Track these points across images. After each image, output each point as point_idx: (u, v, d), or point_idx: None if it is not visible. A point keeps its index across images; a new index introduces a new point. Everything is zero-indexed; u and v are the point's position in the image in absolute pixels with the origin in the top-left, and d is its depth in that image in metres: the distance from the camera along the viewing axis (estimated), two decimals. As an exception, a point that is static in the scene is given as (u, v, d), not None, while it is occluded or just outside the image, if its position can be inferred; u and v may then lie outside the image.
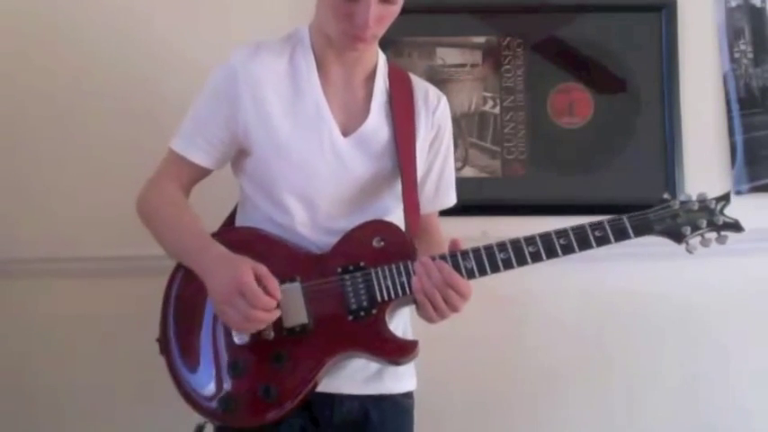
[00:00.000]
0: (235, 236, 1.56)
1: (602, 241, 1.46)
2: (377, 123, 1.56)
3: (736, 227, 1.48)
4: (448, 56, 2.18)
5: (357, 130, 1.54)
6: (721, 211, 1.48)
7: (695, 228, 1.46)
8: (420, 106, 1.61)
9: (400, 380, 1.58)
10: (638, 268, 2.13)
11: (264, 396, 1.43)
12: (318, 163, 1.51)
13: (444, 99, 1.66)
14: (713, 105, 2.20)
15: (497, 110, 2.18)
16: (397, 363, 1.48)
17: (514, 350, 2.14)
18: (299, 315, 1.45)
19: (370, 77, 1.59)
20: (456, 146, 2.15)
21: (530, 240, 1.45)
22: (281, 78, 1.52)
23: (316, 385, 1.46)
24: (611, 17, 2.19)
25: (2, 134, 2.10)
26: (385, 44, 2.13)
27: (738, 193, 2.17)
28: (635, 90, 2.18)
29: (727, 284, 2.15)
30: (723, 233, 1.47)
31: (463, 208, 2.12)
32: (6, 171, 2.10)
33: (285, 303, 1.44)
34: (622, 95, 2.19)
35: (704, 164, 2.18)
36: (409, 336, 1.60)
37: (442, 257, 1.45)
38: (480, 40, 2.19)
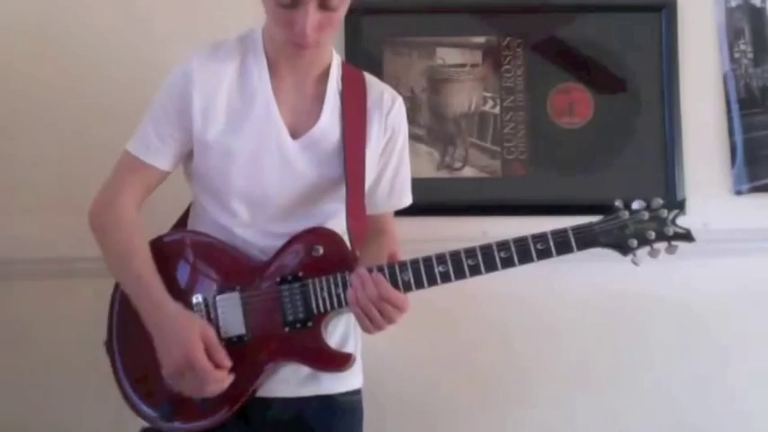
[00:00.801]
0: (178, 241, 1.57)
1: (544, 254, 1.41)
2: (327, 126, 1.54)
3: (687, 237, 1.42)
4: (448, 56, 2.18)
5: (306, 132, 1.53)
6: (673, 221, 1.42)
7: (643, 240, 1.41)
8: (373, 109, 1.59)
9: (340, 379, 1.55)
10: (636, 268, 2.12)
11: (201, 404, 1.44)
12: (265, 166, 1.51)
13: (399, 101, 1.64)
14: (713, 105, 2.20)
15: (497, 110, 2.18)
16: (332, 372, 1.50)
17: (512, 351, 2.14)
18: (236, 326, 1.47)
19: (323, 79, 1.57)
20: (456, 146, 2.17)
21: (470, 253, 1.43)
22: (232, 81, 1.52)
23: (254, 393, 1.48)
24: (611, 17, 2.19)
25: None
26: (385, 44, 2.16)
27: (738, 193, 2.18)
28: (635, 90, 2.18)
29: (727, 284, 2.15)
30: (673, 243, 1.41)
31: (463, 208, 2.14)
32: (4, 170, 2.10)
33: (224, 314, 1.47)
34: (622, 95, 2.19)
35: (704, 164, 2.18)
36: (351, 341, 1.59)
37: (380, 269, 1.44)
38: (480, 40, 2.19)
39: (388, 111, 1.61)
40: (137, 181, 1.54)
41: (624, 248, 1.42)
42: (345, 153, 1.53)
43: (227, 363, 1.42)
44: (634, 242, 1.42)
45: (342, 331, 1.58)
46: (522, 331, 2.14)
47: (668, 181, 2.16)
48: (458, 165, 2.16)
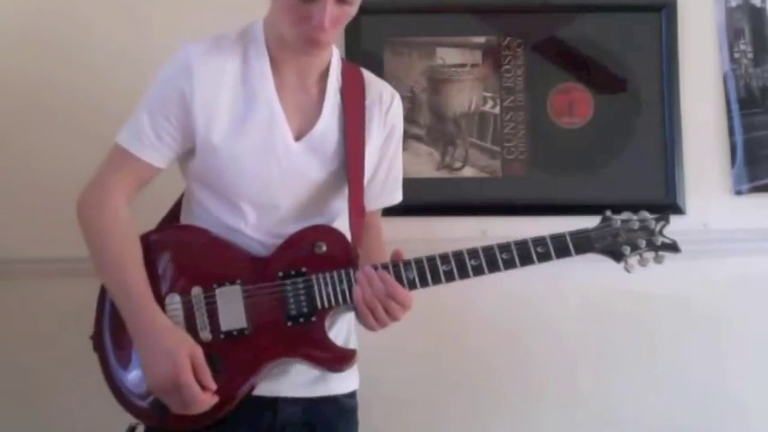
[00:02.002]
0: (176, 235, 1.54)
1: (544, 257, 1.46)
2: (327, 126, 1.52)
3: (674, 248, 1.49)
4: (448, 56, 2.18)
5: (308, 133, 1.50)
6: (660, 232, 1.49)
7: (635, 247, 1.48)
8: (373, 106, 1.58)
9: (344, 380, 1.54)
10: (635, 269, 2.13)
11: None
12: (272, 169, 1.47)
13: (398, 98, 1.64)
14: (713, 105, 2.20)
15: (497, 110, 2.18)
16: (335, 370, 1.47)
17: (513, 349, 2.14)
18: (237, 319, 1.43)
19: (324, 76, 1.54)
20: (456, 146, 2.17)
21: (472, 254, 1.45)
22: (235, 79, 1.47)
23: (252, 389, 1.45)
24: (611, 17, 2.19)
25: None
26: (385, 44, 2.16)
27: (738, 193, 2.18)
28: (635, 90, 2.18)
29: (728, 284, 2.15)
30: (661, 253, 1.49)
31: (463, 208, 2.14)
32: (4, 170, 2.10)
33: (224, 306, 1.44)
34: (622, 95, 2.19)
35: (704, 164, 2.18)
36: (352, 342, 1.59)
37: (385, 267, 1.44)
38: (480, 40, 2.19)
39: (388, 108, 1.60)
40: (130, 177, 1.48)
41: (617, 255, 1.49)
42: (347, 152, 1.52)
43: (213, 385, 1.39)
44: (627, 249, 1.48)
45: (345, 332, 1.57)
46: (521, 331, 2.14)
47: (668, 181, 2.16)
48: (458, 165, 2.16)
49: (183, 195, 1.62)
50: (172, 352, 1.37)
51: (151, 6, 2.12)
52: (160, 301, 1.44)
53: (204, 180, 1.51)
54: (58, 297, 2.07)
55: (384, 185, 1.66)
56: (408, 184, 2.11)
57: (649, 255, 1.49)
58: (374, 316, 1.42)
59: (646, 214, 1.50)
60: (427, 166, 2.15)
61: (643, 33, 2.19)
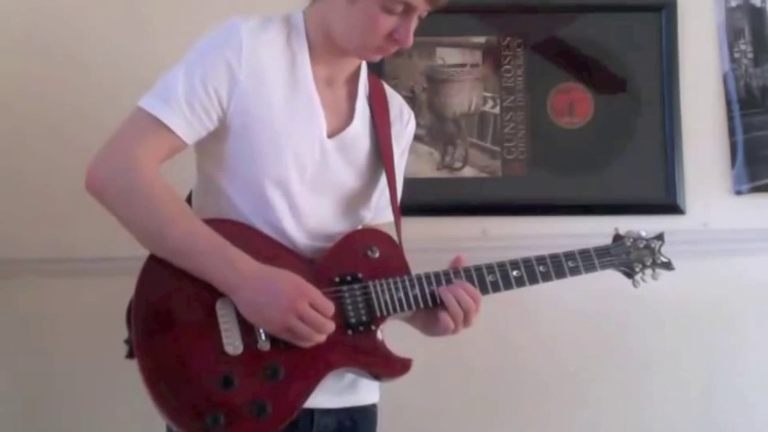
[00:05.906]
0: (225, 230, 1.37)
1: (575, 272, 1.52)
2: (359, 129, 1.49)
3: (669, 266, 1.59)
4: (448, 56, 2.18)
5: (340, 132, 1.47)
6: (659, 250, 1.58)
7: (643, 265, 1.57)
8: (395, 120, 1.57)
9: (370, 390, 1.51)
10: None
11: (258, 413, 1.30)
12: (307, 161, 1.42)
13: (413, 116, 1.64)
14: (713, 105, 2.20)
15: (497, 110, 2.18)
16: (390, 379, 1.43)
17: (513, 350, 2.14)
18: None
19: (352, 80, 1.52)
20: (456, 146, 2.17)
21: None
22: (281, 62, 1.42)
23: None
24: (611, 17, 2.19)
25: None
26: (385, 44, 2.16)
27: (738, 193, 2.18)
28: (635, 90, 2.18)
29: (727, 285, 2.15)
30: (658, 270, 1.58)
31: (463, 208, 2.14)
32: (6, 171, 2.10)
33: None
34: (622, 95, 2.19)
35: (704, 164, 2.18)
36: None
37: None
38: (480, 40, 2.19)
39: (406, 124, 1.60)
40: (159, 145, 1.35)
41: (630, 271, 1.57)
42: (383, 158, 1.50)
43: (330, 311, 1.33)
44: (638, 266, 1.57)
45: None
46: (520, 333, 2.13)
47: (668, 181, 2.16)
48: (458, 165, 2.16)
49: (191, 194, 1.52)
50: (281, 285, 1.31)
51: (151, 7, 2.13)
52: (210, 307, 1.33)
53: (232, 167, 1.41)
54: (59, 297, 2.07)
55: (387, 202, 1.59)
56: (408, 184, 2.13)
57: (648, 271, 1.58)
58: (455, 323, 1.42)
59: (643, 234, 1.59)
60: (427, 166, 2.15)
61: (643, 33, 2.19)
